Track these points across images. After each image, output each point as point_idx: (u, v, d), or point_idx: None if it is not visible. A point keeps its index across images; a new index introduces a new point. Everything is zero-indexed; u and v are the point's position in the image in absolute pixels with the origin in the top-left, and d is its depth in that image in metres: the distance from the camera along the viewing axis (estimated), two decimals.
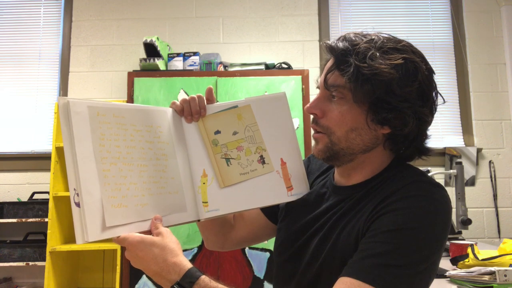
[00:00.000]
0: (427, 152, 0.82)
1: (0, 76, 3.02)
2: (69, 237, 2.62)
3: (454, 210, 1.99)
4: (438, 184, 0.75)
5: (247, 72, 2.53)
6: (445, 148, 2.87)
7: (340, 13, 3.07)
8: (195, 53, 2.66)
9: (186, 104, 0.88)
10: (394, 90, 0.73)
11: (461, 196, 2.03)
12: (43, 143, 2.93)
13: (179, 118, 0.89)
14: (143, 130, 0.82)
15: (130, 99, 2.47)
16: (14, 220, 2.53)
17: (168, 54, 2.67)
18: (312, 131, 0.84)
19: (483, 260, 1.37)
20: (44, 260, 2.44)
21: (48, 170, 2.55)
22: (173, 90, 2.47)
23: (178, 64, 2.63)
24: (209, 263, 2.32)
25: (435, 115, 0.79)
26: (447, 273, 1.38)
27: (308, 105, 0.82)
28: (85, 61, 2.99)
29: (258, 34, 3.00)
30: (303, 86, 2.47)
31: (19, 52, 3.05)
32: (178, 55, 2.66)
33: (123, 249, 2.31)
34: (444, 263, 1.54)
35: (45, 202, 2.56)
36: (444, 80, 2.99)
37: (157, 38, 2.64)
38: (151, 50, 2.64)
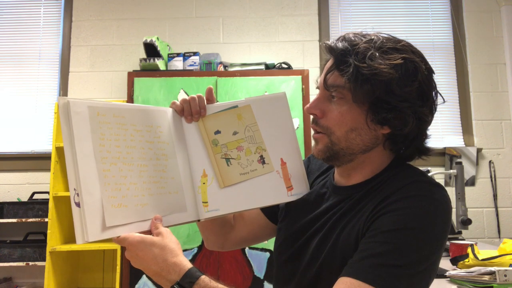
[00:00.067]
0: (427, 152, 0.82)
1: (0, 76, 3.02)
2: (69, 237, 2.62)
3: (454, 210, 1.99)
4: (438, 184, 0.75)
5: (247, 72, 2.53)
6: (445, 148, 2.87)
7: (340, 13, 3.07)
8: (195, 53, 2.66)
9: (186, 104, 0.88)
10: (394, 90, 0.73)
11: (461, 196, 2.03)
12: (43, 143, 2.93)
13: (179, 118, 0.89)
14: (143, 130, 0.82)
15: (130, 99, 2.47)
16: (14, 220, 2.53)
17: (168, 54, 2.67)
18: (312, 131, 0.84)
19: (483, 260, 1.37)
20: (44, 260, 2.44)
21: (48, 170, 2.56)
22: (173, 90, 2.47)
23: (178, 64, 2.63)
24: (209, 263, 2.32)
25: (435, 115, 0.79)
26: (447, 273, 1.38)
27: (308, 105, 0.82)
28: (85, 61, 2.99)
29: (258, 34, 3.00)
30: (303, 86, 2.47)
31: (19, 52, 3.05)
32: (178, 55, 2.66)
33: (123, 249, 2.31)
34: (444, 263, 1.54)
35: (45, 202, 2.56)
36: (444, 80, 2.99)
37: (157, 38, 2.64)
38: (151, 50, 2.64)
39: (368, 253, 0.68)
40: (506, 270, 1.21)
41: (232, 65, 2.68)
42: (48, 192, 2.53)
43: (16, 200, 2.78)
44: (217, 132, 0.89)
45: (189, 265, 0.73)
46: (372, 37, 0.77)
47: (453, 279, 1.35)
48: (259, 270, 2.32)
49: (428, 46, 3.00)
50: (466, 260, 1.42)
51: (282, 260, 0.89)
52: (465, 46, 2.99)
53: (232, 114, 0.90)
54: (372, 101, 0.74)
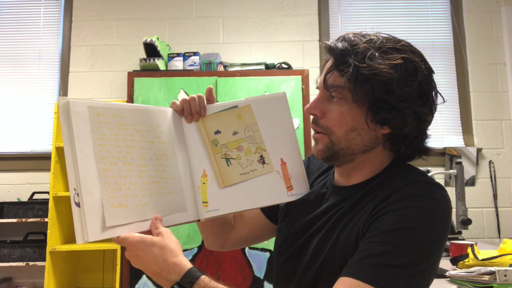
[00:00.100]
0: (427, 151, 0.82)
1: (0, 76, 3.02)
2: (69, 237, 2.62)
3: (454, 210, 1.99)
4: (438, 184, 0.75)
5: (247, 72, 2.53)
6: (445, 148, 2.87)
7: (340, 13, 3.07)
8: (195, 53, 2.66)
9: (186, 104, 0.88)
10: (394, 90, 0.73)
11: (461, 196, 2.03)
12: (43, 143, 2.93)
13: (179, 118, 0.89)
14: (143, 130, 0.82)
15: (130, 99, 2.47)
16: (14, 220, 2.53)
17: (168, 54, 2.67)
18: (312, 132, 0.84)
19: (483, 260, 1.37)
20: (44, 260, 2.44)
21: (48, 170, 2.56)
22: (173, 90, 2.47)
23: (178, 64, 2.63)
24: (209, 263, 2.32)
25: (435, 115, 0.79)
26: (447, 273, 1.38)
27: (308, 105, 0.82)
28: (85, 61, 2.99)
29: (258, 34, 3.00)
30: (303, 86, 2.47)
31: (19, 52, 3.05)
32: (178, 55, 2.66)
33: (123, 249, 2.31)
34: (444, 263, 1.54)
35: (45, 202, 2.56)
36: (444, 80, 2.99)
37: (157, 38, 2.64)
38: (151, 50, 2.64)
39: (368, 253, 0.68)
40: (506, 270, 1.20)
41: (232, 65, 2.68)
42: (48, 192, 2.53)
43: (16, 200, 2.78)
44: (217, 132, 0.89)
45: (189, 265, 0.73)
46: (372, 37, 0.77)
47: (453, 279, 1.35)
48: (259, 270, 2.32)
49: (428, 46, 3.00)
50: (466, 260, 1.42)
51: (282, 260, 0.89)
52: (465, 46, 2.99)
53: (232, 114, 0.90)
54: (372, 101, 0.74)
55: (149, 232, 0.77)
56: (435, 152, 2.84)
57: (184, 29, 3.01)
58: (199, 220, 0.87)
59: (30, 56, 3.04)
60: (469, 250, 1.45)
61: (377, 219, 0.71)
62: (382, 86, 0.73)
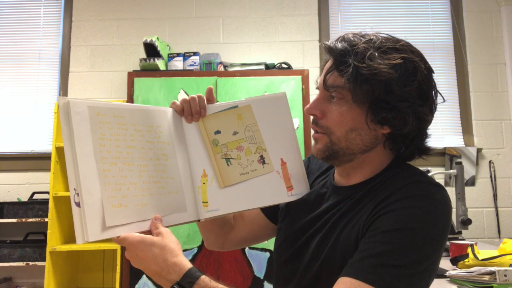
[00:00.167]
0: (428, 151, 0.82)
1: (0, 76, 3.02)
2: (69, 237, 2.62)
3: (454, 210, 1.99)
4: (438, 184, 0.75)
5: (247, 72, 2.53)
6: (445, 148, 2.87)
7: (340, 13, 3.07)
8: (195, 53, 2.66)
9: (186, 104, 0.88)
10: (394, 89, 0.73)
11: (461, 196, 2.03)
12: (43, 143, 2.93)
13: (179, 118, 0.89)
14: (143, 130, 0.82)
15: (130, 99, 2.47)
16: (14, 220, 2.53)
17: (168, 54, 2.67)
18: (312, 131, 0.84)
19: (483, 260, 1.37)
20: (44, 260, 2.44)
21: (48, 170, 2.56)
22: (173, 90, 2.47)
23: (178, 64, 2.63)
24: (209, 263, 2.32)
25: (435, 115, 0.79)
26: (447, 273, 1.38)
27: (307, 106, 0.82)
28: (85, 61, 2.99)
29: (258, 34, 3.00)
30: (303, 86, 2.47)
31: (19, 52, 3.05)
32: (178, 55, 2.66)
33: (123, 249, 2.31)
34: (444, 263, 1.54)
35: (45, 202, 2.56)
36: (444, 80, 2.99)
37: (157, 38, 2.64)
38: (151, 50, 2.64)
39: (368, 253, 0.68)
40: (506, 270, 1.21)
41: (232, 65, 2.68)
42: (48, 192, 2.53)
43: (16, 200, 2.78)
44: (217, 132, 0.89)
45: (189, 265, 0.73)
46: (371, 37, 0.77)
47: (453, 279, 1.35)
48: (259, 270, 2.32)
49: (428, 46, 3.00)
50: (466, 260, 1.42)
51: (282, 260, 0.89)
52: (465, 46, 2.99)
53: (232, 114, 0.90)
54: (372, 101, 0.75)
55: (149, 232, 0.77)
56: (435, 152, 2.84)
57: (184, 29, 3.01)
58: (199, 220, 0.87)
59: (30, 56, 3.04)
60: (469, 250, 1.45)
61: (377, 219, 0.71)
62: (382, 86, 0.73)
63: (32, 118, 2.97)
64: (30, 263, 2.50)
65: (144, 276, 2.30)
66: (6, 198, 2.81)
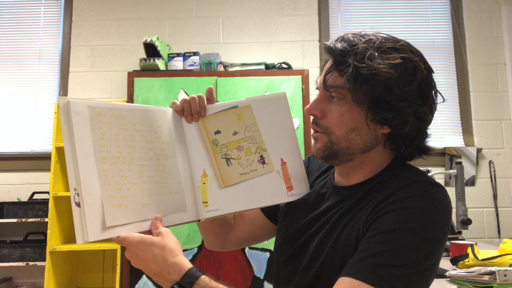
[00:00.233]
0: (428, 151, 0.82)
1: (0, 76, 3.02)
2: (69, 237, 2.62)
3: (454, 210, 1.99)
4: (438, 184, 0.75)
5: (247, 72, 2.53)
6: (445, 148, 2.87)
7: (340, 13, 3.07)
8: (195, 53, 2.66)
9: (186, 104, 0.88)
10: (393, 89, 0.73)
11: (461, 196, 2.03)
12: (43, 143, 2.93)
13: (179, 118, 0.89)
14: (143, 130, 0.82)
15: (130, 99, 2.47)
16: (14, 220, 2.53)
17: (168, 54, 2.67)
18: (312, 131, 0.84)
19: (483, 260, 1.37)
20: (44, 260, 2.44)
21: (48, 170, 2.56)
22: (173, 90, 2.47)
23: (178, 64, 2.63)
24: (209, 263, 2.33)
25: (435, 115, 0.79)
26: (447, 273, 1.38)
27: (307, 106, 0.82)
28: (85, 61, 3.00)
29: (258, 34, 3.00)
30: (303, 86, 2.47)
31: (19, 52, 3.05)
32: (178, 55, 2.66)
33: (123, 249, 2.31)
34: (444, 263, 1.54)
35: (45, 202, 2.56)
36: (444, 80, 2.99)
37: (157, 38, 2.64)
38: (151, 50, 2.64)
39: (368, 253, 0.68)
40: (506, 270, 1.21)
41: (232, 65, 2.68)
42: (48, 192, 2.53)
43: (16, 200, 2.78)
44: (217, 132, 0.89)
45: (189, 265, 0.73)
46: (371, 37, 0.77)
47: (453, 279, 1.35)
48: (259, 270, 2.32)
49: (428, 46, 3.00)
50: (466, 260, 1.42)
51: (282, 260, 0.89)
52: (465, 46, 2.99)
53: (232, 114, 0.90)
54: (372, 101, 0.75)
55: (149, 232, 0.77)
56: (435, 152, 2.84)
57: (184, 29, 3.01)
58: (199, 220, 0.87)
59: (30, 56, 3.04)
60: (469, 250, 1.45)
61: (377, 219, 0.71)
62: (381, 85, 0.73)
63: (32, 118, 2.97)
64: (30, 263, 2.50)
65: (144, 276, 2.30)
66: (6, 198, 2.81)
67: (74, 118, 0.73)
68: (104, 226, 0.72)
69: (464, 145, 2.91)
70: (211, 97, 0.91)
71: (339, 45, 0.77)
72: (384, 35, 0.79)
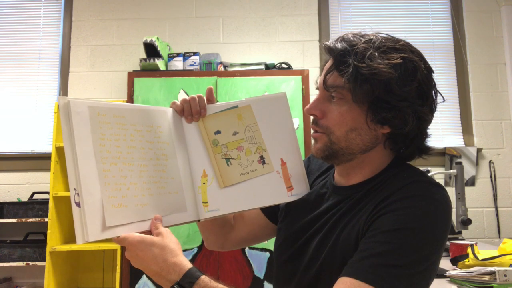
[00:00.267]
0: (428, 151, 0.82)
1: (0, 76, 3.02)
2: (69, 237, 2.62)
3: (454, 210, 1.99)
4: (438, 184, 0.75)
5: (247, 72, 2.53)
6: (445, 148, 2.87)
7: (340, 13, 3.07)
8: (195, 53, 2.66)
9: (186, 104, 0.88)
10: (394, 89, 0.73)
11: (461, 196, 2.03)
12: (43, 143, 2.93)
13: (179, 118, 0.89)
14: (143, 130, 0.82)
15: (130, 99, 2.47)
16: (14, 220, 2.53)
17: (168, 54, 2.67)
18: (312, 131, 0.84)
19: (483, 260, 1.37)
20: (44, 260, 2.44)
21: (48, 170, 2.56)
22: (173, 90, 2.47)
23: (178, 64, 2.63)
24: (209, 263, 2.33)
25: (435, 115, 0.79)
26: (447, 273, 1.38)
27: (308, 106, 0.82)
28: (85, 61, 3.00)
29: (258, 34, 3.00)
30: (303, 86, 2.47)
31: (19, 52, 3.05)
32: (178, 55, 2.66)
33: (123, 249, 2.31)
34: (444, 263, 1.54)
35: (45, 202, 2.56)
36: (444, 80, 2.99)
37: (157, 38, 2.64)
38: (151, 50, 2.64)
39: (368, 253, 0.68)
40: (506, 270, 1.21)
41: (232, 65, 2.68)
42: (48, 192, 2.53)
43: (16, 200, 2.78)
44: (217, 132, 0.89)
45: (189, 265, 0.73)
46: (371, 37, 0.77)
47: (453, 279, 1.35)
48: (259, 270, 2.32)
49: (428, 46, 3.00)
50: (466, 260, 1.42)
51: (282, 260, 0.89)
52: (465, 46, 2.99)
53: (232, 114, 0.90)
54: (372, 101, 0.75)
55: (149, 232, 0.77)
56: (435, 152, 2.84)
57: (184, 29, 3.01)
58: (199, 220, 0.87)
59: (30, 56, 3.04)
60: (469, 250, 1.45)
61: (377, 219, 0.71)
62: (382, 85, 0.73)
63: (32, 118, 2.97)
64: (30, 263, 2.50)
65: (144, 276, 2.30)
66: (6, 198, 2.81)
67: (74, 118, 0.73)
68: (104, 226, 0.72)
69: (464, 145, 2.91)
70: (211, 97, 0.91)
71: (339, 45, 0.77)
72: (384, 35, 0.79)
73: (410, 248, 0.67)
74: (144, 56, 2.67)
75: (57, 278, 2.46)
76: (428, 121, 0.78)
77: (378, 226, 0.70)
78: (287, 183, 0.90)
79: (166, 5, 3.04)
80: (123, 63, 2.98)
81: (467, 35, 2.99)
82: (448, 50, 3.04)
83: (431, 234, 0.69)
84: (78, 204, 0.71)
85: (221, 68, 2.65)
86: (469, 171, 2.84)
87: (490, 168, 2.88)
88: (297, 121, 2.42)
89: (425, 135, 0.80)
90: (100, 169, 0.74)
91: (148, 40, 2.60)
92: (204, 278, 0.71)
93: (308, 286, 0.81)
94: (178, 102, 0.89)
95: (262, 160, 0.90)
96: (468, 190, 2.80)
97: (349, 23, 3.05)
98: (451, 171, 2.09)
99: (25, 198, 2.81)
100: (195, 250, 2.34)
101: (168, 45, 2.77)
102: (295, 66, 2.80)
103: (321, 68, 0.85)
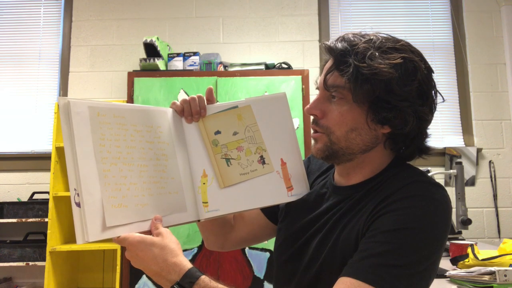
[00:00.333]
0: (428, 151, 0.82)
1: (0, 76, 3.02)
2: (69, 237, 2.62)
3: (454, 210, 1.99)
4: (438, 184, 0.75)
5: (247, 72, 2.53)
6: (445, 148, 2.87)
7: (340, 13, 3.07)
8: (195, 53, 2.66)
9: (186, 104, 0.88)
10: (394, 89, 0.73)
11: (461, 196, 2.03)
12: (43, 143, 2.93)
13: (179, 118, 0.89)
14: (143, 130, 0.82)
15: (130, 99, 2.48)
16: (14, 220, 2.53)
17: (168, 54, 2.67)
18: (312, 131, 0.84)
19: (483, 260, 1.37)
20: (44, 260, 2.44)
21: (48, 170, 2.56)
22: (173, 90, 2.47)
23: (178, 64, 2.63)
24: (209, 263, 2.33)
25: (435, 115, 0.79)
26: (447, 273, 1.38)
27: (308, 106, 0.82)
28: (85, 61, 3.00)
29: (258, 34, 3.00)
30: (303, 86, 2.47)
31: (19, 52, 3.05)
32: (178, 55, 2.66)
33: (123, 249, 2.31)
34: (444, 263, 1.54)
35: (45, 202, 2.56)
36: (444, 80, 2.99)
37: (157, 38, 2.64)
38: (151, 50, 2.64)
39: (368, 253, 0.68)
40: (506, 270, 1.21)
41: (232, 65, 2.68)
42: (48, 192, 2.53)
43: (16, 200, 2.78)
44: (217, 132, 0.89)
45: (189, 265, 0.73)
46: (371, 37, 0.77)
47: (453, 279, 1.35)
48: (259, 270, 2.32)
49: (428, 46, 3.00)
50: (466, 260, 1.42)
51: (282, 260, 0.89)
52: (465, 46, 2.99)
53: (232, 115, 0.90)
54: (372, 101, 0.75)
55: (149, 232, 0.77)
56: (435, 152, 2.84)
57: (184, 29, 3.01)
58: (199, 220, 0.87)
59: (30, 56, 3.04)
60: (469, 250, 1.45)
61: (377, 219, 0.71)
62: (382, 85, 0.73)
63: (32, 118, 2.97)
64: (30, 263, 2.50)
65: (144, 276, 2.30)
66: (6, 198, 2.81)
67: (74, 118, 0.73)
68: (104, 226, 0.72)
69: (464, 145, 2.91)
70: (211, 97, 0.91)
71: (339, 45, 0.77)
72: (384, 35, 0.79)
73: (410, 248, 0.67)
74: (144, 56, 2.67)
75: (57, 278, 2.46)
76: (428, 121, 0.79)
77: (378, 226, 0.70)
78: (287, 183, 0.90)
79: (166, 5, 3.04)
80: (123, 63, 2.98)
81: (467, 35, 2.99)
82: (448, 50, 3.04)
83: (431, 234, 0.69)
84: (78, 204, 0.71)
85: (221, 68, 2.65)
86: (469, 171, 2.84)
87: (490, 168, 2.88)
88: (297, 121, 2.42)
89: (425, 135, 0.80)
90: (100, 169, 0.74)
91: (148, 40, 2.61)
92: (204, 278, 0.71)
93: (308, 286, 0.81)
94: (178, 102, 0.89)
95: (262, 160, 0.90)
96: (468, 190, 2.80)
97: (349, 23, 3.05)
98: (451, 171, 2.09)
99: (25, 198, 2.81)
100: (195, 250, 2.34)
101: (168, 45, 2.77)
102: (295, 66, 2.80)
103: (321, 68, 0.85)
